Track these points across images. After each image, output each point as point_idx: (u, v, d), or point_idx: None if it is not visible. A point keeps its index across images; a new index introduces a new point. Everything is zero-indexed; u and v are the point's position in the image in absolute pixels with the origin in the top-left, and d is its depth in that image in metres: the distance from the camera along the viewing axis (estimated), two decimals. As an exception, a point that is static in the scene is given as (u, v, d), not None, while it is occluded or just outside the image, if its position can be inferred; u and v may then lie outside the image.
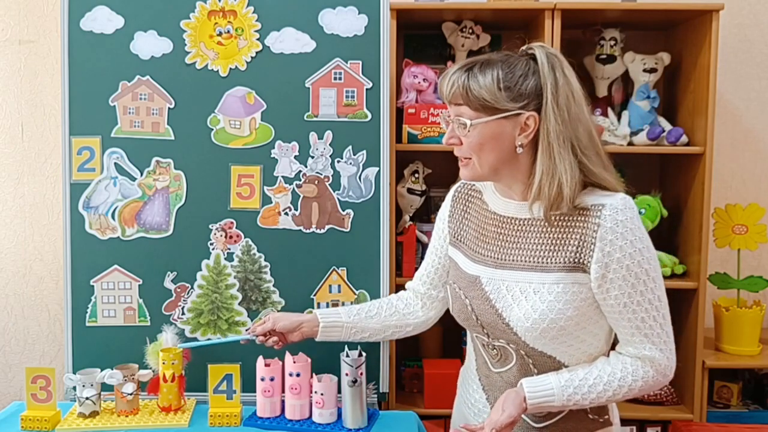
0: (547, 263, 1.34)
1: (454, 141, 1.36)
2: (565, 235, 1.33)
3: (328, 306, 2.00)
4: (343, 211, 2.00)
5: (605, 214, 1.28)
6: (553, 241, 1.34)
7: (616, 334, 1.40)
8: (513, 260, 1.37)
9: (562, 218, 1.33)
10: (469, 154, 1.34)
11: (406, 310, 1.70)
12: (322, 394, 1.76)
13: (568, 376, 1.33)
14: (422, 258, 1.75)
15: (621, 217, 1.28)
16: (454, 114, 1.34)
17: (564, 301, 1.31)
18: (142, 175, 2.00)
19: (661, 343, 1.32)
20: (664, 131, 2.23)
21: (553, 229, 1.35)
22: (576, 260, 1.31)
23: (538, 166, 1.31)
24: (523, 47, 1.37)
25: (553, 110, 1.29)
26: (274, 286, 2.01)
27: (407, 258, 2.24)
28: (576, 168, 1.30)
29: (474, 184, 1.52)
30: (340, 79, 1.98)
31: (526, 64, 1.32)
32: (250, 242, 2.00)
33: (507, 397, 1.33)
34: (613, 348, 1.42)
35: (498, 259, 1.40)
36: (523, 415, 1.37)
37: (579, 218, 1.32)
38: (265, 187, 2.00)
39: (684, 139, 2.22)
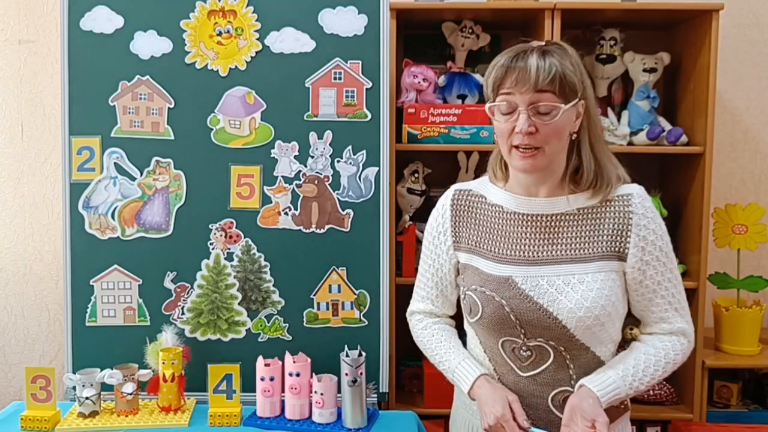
0: (585, 254, 1.36)
1: (533, 129, 1.29)
2: (598, 226, 1.36)
3: (327, 306, 2.00)
4: (343, 210, 2.00)
5: (635, 202, 1.35)
6: (587, 233, 1.37)
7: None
8: (547, 255, 1.37)
9: (592, 211, 1.37)
10: (543, 143, 1.30)
11: (453, 327, 1.60)
12: (322, 394, 1.76)
13: (622, 366, 1.35)
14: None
15: (647, 203, 1.37)
16: (531, 101, 1.28)
17: (609, 288, 1.34)
18: (141, 175, 2.00)
19: (686, 315, 1.40)
20: (663, 131, 2.23)
21: (584, 222, 1.37)
22: (613, 249, 1.35)
23: (584, 154, 1.36)
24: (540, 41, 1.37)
25: (592, 99, 1.36)
26: (273, 286, 2.01)
27: (407, 258, 2.23)
28: (610, 155, 1.39)
29: (472, 190, 1.48)
30: (339, 79, 1.98)
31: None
32: (250, 242, 2.00)
33: (581, 405, 1.30)
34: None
35: (529, 257, 1.38)
36: (553, 408, 1.39)
37: (608, 209, 1.36)
38: (265, 187, 2.00)
39: (684, 139, 2.22)
